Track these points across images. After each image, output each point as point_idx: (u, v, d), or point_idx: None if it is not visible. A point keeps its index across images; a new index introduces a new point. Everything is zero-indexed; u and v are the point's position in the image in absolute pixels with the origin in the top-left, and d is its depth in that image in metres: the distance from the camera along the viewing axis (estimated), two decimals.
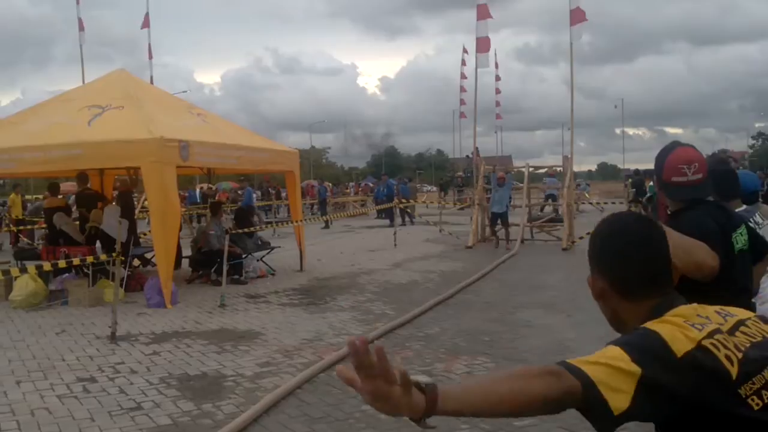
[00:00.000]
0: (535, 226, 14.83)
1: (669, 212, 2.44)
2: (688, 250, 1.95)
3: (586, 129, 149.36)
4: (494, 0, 13.63)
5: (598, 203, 22.66)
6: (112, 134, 7.82)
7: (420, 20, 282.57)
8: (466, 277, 9.18)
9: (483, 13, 13.69)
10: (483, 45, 13.78)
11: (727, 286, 2.11)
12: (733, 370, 1.14)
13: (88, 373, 5.05)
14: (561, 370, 1.09)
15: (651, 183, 11.71)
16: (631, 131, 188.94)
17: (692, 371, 1.12)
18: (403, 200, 17.64)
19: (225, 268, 8.14)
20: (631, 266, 1.32)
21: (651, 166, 2.54)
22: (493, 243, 13.47)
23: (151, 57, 18.58)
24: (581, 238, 13.23)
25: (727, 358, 1.15)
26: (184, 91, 26.87)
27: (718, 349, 1.15)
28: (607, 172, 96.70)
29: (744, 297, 2.26)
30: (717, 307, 1.29)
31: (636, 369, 1.09)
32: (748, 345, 1.18)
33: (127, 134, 7.79)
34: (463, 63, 31.34)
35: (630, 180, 21.93)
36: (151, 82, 15.95)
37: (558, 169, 17.78)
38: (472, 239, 13.56)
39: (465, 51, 30.43)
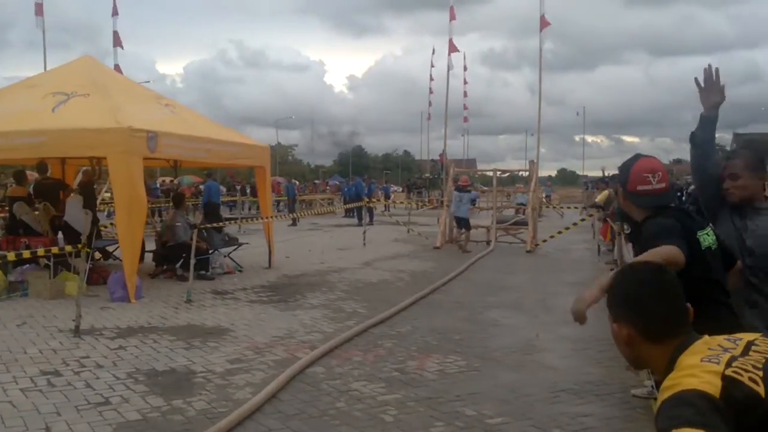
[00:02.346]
0: (500, 228, 15.05)
1: (638, 221, 2.59)
2: (658, 253, 2.19)
3: (547, 135, 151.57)
4: (460, 4, 13.73)
5: (561, 207, 23.15)
6: (78, 122, 7.60)
7: (388, 20, 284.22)
8: (436, 277, 9.24)
9: (455, 14, 13.81)
10: (455, 46, 13.89)
11: (700, 278, 2.27)
12: (760, 389, 1.19)
13: (52, 367, 4.90)
14: None
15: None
16: (589, 139, 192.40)
17: (731, 407, 1.17)
18: (372, 200, 17.66)
19: (192, 262, 8.00)
20: (654, 312, 1.45)
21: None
22: (460, 248, 13.05)
23: (119, 45, 17.97)
24: (544, 241, 13.54)
25: (752, 380, 1.20)
26: (146, 82, 26.15)
27: (740, 375, 1.21)
28: (566, 178, 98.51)
29: (718, 289, 2.43)
30: (725, 336, 1.39)
31: None
32: (764, 361, 1.25)
33: (94, 123, 7.58)
34: (432, 64, 31.71)
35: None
36: (120, 71, 15.49)
37: (522, 173, 18.15)
38: (440, 240, 13.66)
39: (434, 52, 30.81)
